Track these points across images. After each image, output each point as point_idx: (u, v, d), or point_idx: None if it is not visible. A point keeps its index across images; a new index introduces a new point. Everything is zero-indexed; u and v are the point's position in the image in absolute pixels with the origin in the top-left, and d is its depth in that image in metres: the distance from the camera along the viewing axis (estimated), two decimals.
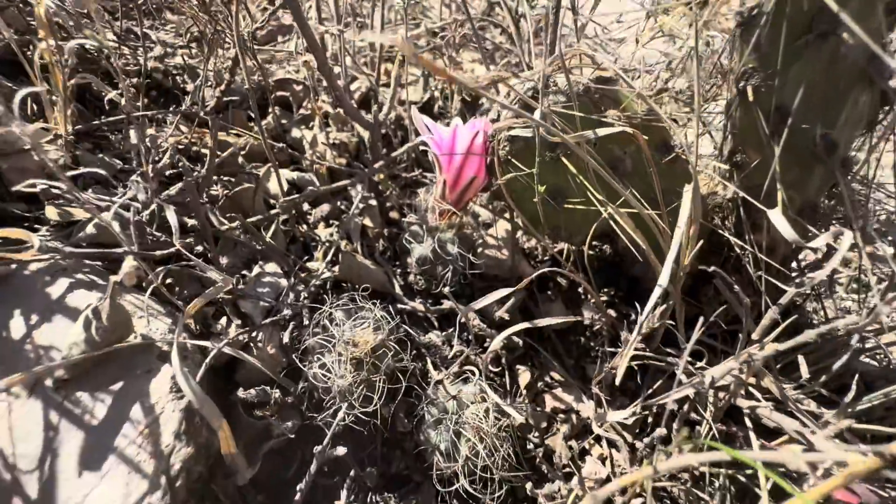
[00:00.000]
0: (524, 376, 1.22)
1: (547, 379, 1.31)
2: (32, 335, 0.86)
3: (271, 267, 1.11)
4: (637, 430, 1.20)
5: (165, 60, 1.52)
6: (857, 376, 0.84)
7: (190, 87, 1.47)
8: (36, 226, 1.06)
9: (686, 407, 0.98)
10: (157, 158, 1.02)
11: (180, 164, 1.05)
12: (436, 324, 1.22)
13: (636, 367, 1.22)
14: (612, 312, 1.32)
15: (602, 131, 0.93)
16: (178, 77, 1.52)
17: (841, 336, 1.06)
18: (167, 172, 1.13)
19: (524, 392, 1.20)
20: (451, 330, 1.20)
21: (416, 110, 1.14)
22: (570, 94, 0.98)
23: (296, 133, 1.45)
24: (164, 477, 0.76)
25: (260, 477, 1.07)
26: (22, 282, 0.91)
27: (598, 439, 1.24)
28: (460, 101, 1.57)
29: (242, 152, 1.29)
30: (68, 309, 0.89)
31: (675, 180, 1.05)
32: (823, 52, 0.86)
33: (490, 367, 1.14)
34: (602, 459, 1.19)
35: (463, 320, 1.17)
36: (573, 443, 1.18)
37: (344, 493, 1.04)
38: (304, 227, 1.27)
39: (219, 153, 1.27)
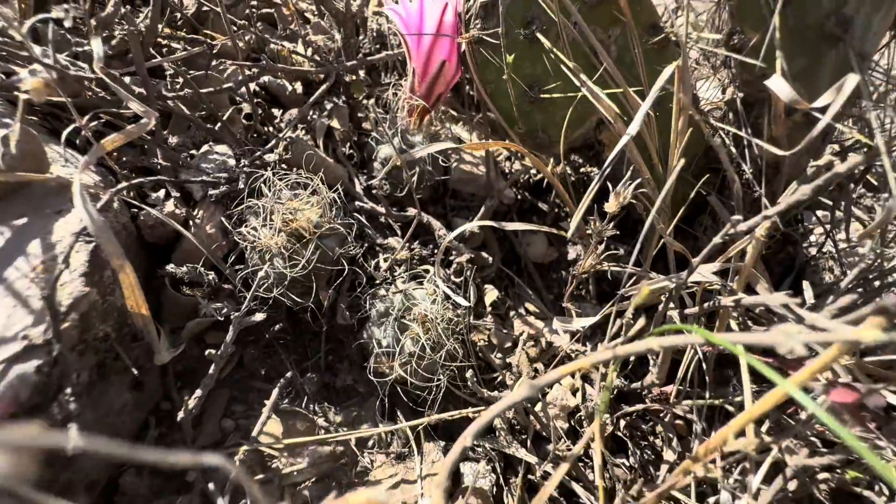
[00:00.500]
0: (490, 294, 1.10)
1: (521, 311, 1.19)
2: None
3: (222, 148, 1.03)
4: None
5: None
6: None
7: None
8: None
9: (662, 306, 0.85)
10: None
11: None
12: (398, 232, 1.12)
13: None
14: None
15: None
16: None
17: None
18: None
19: (489, 310, 1.09)
20: (417, 242, 1.10)
21: None
22: None
23: (275, 47, 1.39)
24: (48, 314, 0.68)
25: (185, 371, 0.98)
26: None
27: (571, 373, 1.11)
28: None
29: (214, 52, 1.24)
30: None
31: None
32: None
33: (452, 278, 1.03)
34: (573, 391, 1.06)
35: (436, 232, 1.07)
36: (539, 366, 1.05)
37: (275, 393, 0.93)
38: (271, 128, 1.20)
39: (188, 47, 1.21)
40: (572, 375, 1.08)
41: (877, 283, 1.09)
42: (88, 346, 0.74)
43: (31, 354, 0.68)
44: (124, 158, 0.96)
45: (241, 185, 0.91)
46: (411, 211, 1.12)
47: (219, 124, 1.02)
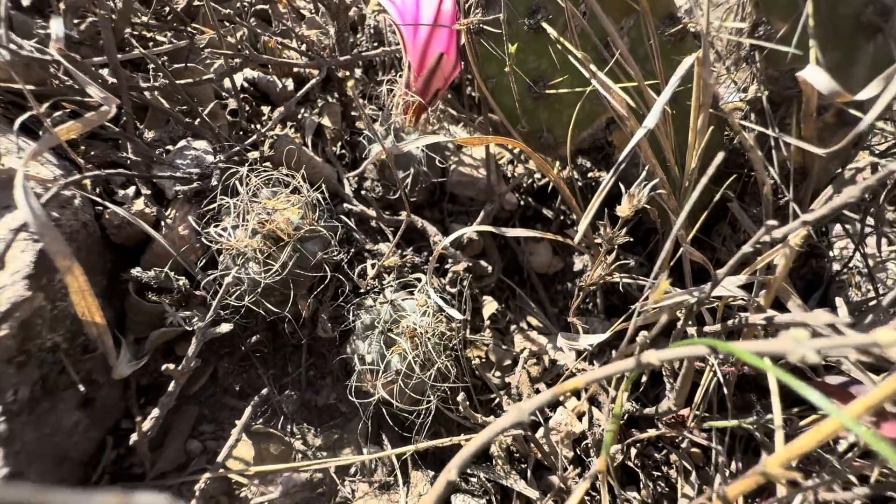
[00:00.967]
0: (489, 306, 1.01)
1: (522, 324, 1.10)
2: None
3: (201, 144, 0.95)
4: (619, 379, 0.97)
5: None
6: None
7: None
8: None
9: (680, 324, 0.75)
10: None
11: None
12: (390, 237, 1.03)
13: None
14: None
15: None
16: None
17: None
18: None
19: (487, 323, 0.99)
20: (410, 249, 1.01)
21: None
22: None
23: (264, 38, 1.32)
24: None
25: (152, 385, 0.89)
26: None
27: (576, 395, 1.01)
28: None
29: (201, 47, 1.17)
30: None
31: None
32: None
33: (447, 288, 0.94)
34: (580, 416, 0.96)
35: (430, 238, 0.98)
36: (541, 386, 0.96)
37: (247, 412, 0.84)
38: (258, 126, 1.13)
39: (174, 40, 1.15)
40: (577, 398, 0.98)
41: None
42: (31, 358, 0.66)
43: None
44: (92, 152, 0.88)
45: (214, 183, 0.83)
46: (405, 215, 1.04)
47: (198, 119, 0.95)
